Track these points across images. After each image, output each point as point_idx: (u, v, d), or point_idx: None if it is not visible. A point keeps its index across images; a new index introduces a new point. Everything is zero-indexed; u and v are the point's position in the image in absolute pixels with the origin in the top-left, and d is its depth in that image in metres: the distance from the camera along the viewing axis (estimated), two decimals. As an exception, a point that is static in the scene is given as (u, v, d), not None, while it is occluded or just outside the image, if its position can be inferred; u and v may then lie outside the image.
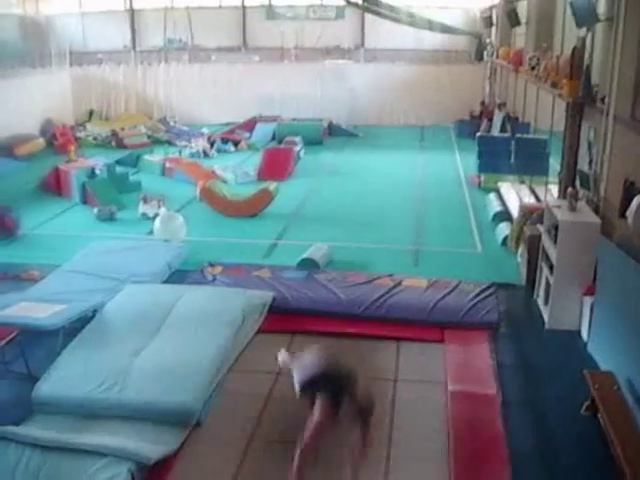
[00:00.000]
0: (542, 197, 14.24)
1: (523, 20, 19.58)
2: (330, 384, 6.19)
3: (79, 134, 25.39)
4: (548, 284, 9.91)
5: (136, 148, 22.63)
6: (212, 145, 23.42)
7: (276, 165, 19.54)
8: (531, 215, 11.96)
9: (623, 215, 8.29)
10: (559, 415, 7.59)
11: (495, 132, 21.33)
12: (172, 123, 27.65)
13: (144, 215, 15.22)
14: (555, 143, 14.38)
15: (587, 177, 10.44)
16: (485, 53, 25.83)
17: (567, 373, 8.35)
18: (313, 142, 24.26)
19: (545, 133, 16.06)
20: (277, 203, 15.75)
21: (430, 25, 25.29)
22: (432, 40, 28.22)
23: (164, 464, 6.62)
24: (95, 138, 25.01)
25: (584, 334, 9.31)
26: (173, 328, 8.90)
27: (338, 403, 6.10)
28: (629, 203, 8.00)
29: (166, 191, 16.42)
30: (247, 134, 25.46)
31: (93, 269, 11.15)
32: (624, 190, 8.57)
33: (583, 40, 11.40)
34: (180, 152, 22.33)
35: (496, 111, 23.24)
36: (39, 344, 8.88)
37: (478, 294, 10.47)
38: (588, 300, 9.19)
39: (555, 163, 14.01)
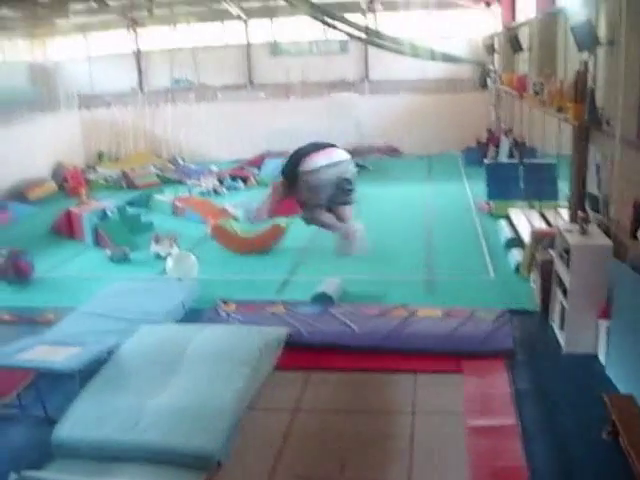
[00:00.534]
0: (553, 221, 14.23)
1: (525, 46, 19.70)
2: None
3: (90, 176, 25.59)
4: (563, 308, 9.88)
5: (146, 188, 22.83)
6: (221, 182, 23.55)
7: (286, 200, 19.51)
8: (542, 240, 11.95)
9: (635, 236, 8.28)
10: (580, 441, 7.52)
11: (503, 158, 21.39)
12: (181, 162, 27.87)
13: (156, 255, 15.28)
14: (563, 166, 14.40)
15: (597, 200, 10.45)
16: (489, 80, 25.98)
17: (586, 397, 8.27)
18: (323, 175, 24.27)
19: (552, 157, 16.09)
20: (288, 238, 15.80)
21: (433, 55, 25.46)
22: (436, 70, 28.40)
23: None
24: (106, 180, 25.21)
25: (602, 357, 9.25)
26: (190, 368, 8.87)
27: None
28: (640, 224, 8.01)
29: (178, 230, 16.52)
30: (256, 170, 25.59)
31: (107, 311, 11.20)
32: (634, 211, 8.57)
33: (586, 64, 11.47)
34: (190, 191, 22.44)
35: (503, 137, 23.33)
36: (56, 387, 8.91)
37: (493, 322, 10.45)
38: (604, 323, 9.15)
39: (564, 187, 14.02)
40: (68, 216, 17.59)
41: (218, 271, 14.28)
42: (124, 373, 8.84)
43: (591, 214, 10.53)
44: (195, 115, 29.91)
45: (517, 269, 13.20)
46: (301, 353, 9.87)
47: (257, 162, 26.40)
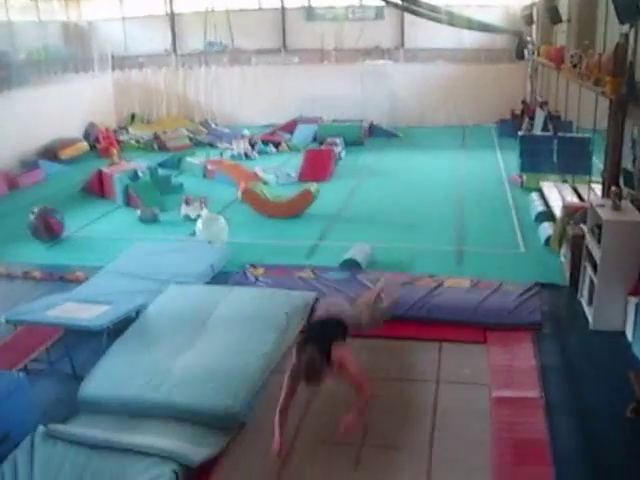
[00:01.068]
0: (585, 196, 14.06)
1: (564, 17, 19.33)
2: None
3: (121, 137, 25.73)
4: (592, 284, 9.78)
5: (178, 151, 22.88)
6: (253, 147, 23.55)
7: (317, 166, 19.57)
8: (574, 215, 11.82)
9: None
10: (603, 417, 7.49)
11: (537, 131, 21.09)
12: (213, 125, 27.88)
13: (186, 217, 15.36)
14: (598, 141, 14.19)
15: (631, 175, 10.29)
16: (526, 51, 25.54)
17: (612, 374, 8.22)
18: (354, 143, 24.28)
19: (588, 131, 15.84)
20: (318, 204, 15.77)
21: (470, 24, 25.05)
22: (472, 39, 27.99)
23: (208, 465, 6.67)
24: (137, 141, 25.33)
25: (629, 335, 9.17)
26: (217, 330, 8.95)
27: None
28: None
29: (208, 193, 16.56)
30: (288, 135, 25.54)
31: (137, 270, 11.30)
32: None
33: (626, 36, 11.21)
34: (221, 154, 22.50)
35: (538, 110, 22.98)
36: (84, 344, 9.04)
37: (521, 294, 10.38)
38: (633, 300, 9.05)
39: (598, 162, 13.83)
40: (99, 176, 17.72)
41: (247, 235, 14.31)
42: (152, 332, 8.95)
43: (625, 190, 10.37)
44: (228, 79, 29.84)
45: (547, 243, 13.08)
46: None
47: (289, 128, 26.32)
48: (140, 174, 17.53)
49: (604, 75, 11.82)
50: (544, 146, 17.19)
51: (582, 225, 10.86)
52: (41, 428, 6.86)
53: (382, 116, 28.20)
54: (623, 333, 9.32)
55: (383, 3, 25.78)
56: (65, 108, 23.72)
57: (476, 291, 10.57)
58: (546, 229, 13.53)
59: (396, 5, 24.80)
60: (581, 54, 14.46)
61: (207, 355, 8.26)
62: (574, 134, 17.60)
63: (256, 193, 15.78)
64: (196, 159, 21.20)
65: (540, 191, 16.33)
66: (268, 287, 10.82)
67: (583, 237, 10.43)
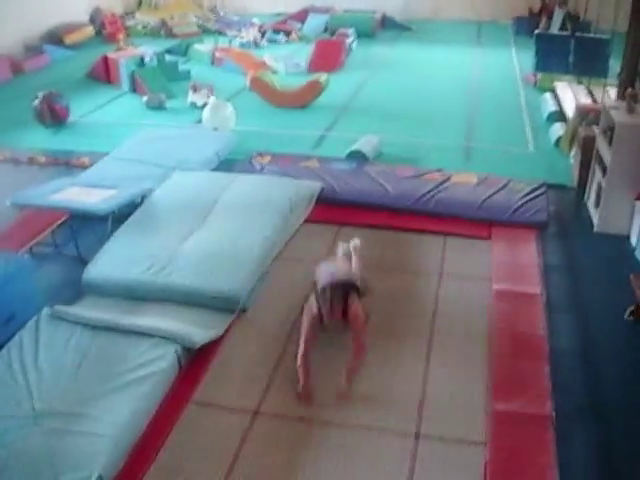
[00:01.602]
0: (599, 99, 13.78)
1: None
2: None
3: (128, 23, 25.13)
4: (600, 187, 9.69)
5: (186, 37, 22.35)
6: (263, 35, 23.04)
7: (327, 57, 19.16)
8: (587, 116, 11.60)
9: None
10: (602, 318, 7.56)
11: (554, 30, 20.56)
12: (222, 13, 27.19)
13: (193, 104, 15.16)
14: (617, 44, 13.82)
15: (648, 78, 10.06)
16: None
17: (613, 277, 8.26)
18: (365, 35, 23.70)
19: (607, 33, 15.40)
20: (327, 95, 15.54)
21: None
22: None
23: (209, 347, 6.78)
24: (144, 27, 24.71)
25: (633, 239, 9.14)
26: (221, 215, 8.97)
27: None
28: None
29: (215, 81, 16.30)
30: (299, 25, 24.93)
31: (142, 156, 11.20)
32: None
33: None
34: (230, 42, 22.01)
35: (556, 8, 22.34)
36: (89, 228, 9.08)
37: (528, 193, 10.29)
38: (640, 205, 9.00)
39: (615, 65, 13.50)
40: (105, 61, 17.38)
41: (255, 123, 14.14)
42: (156, 218, 8.97)
43: (641, 93, 10.14)
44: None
45: (557, 144, 12.92)
46: (333, 207, 9.92)
47: (300, 17, 25.67)
48: (147, 60, 17.19)
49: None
50: (561, 46, 16.75)
51: (594, 127, 10.67)
52: (46, 310, 6.96)
53: (395, 8, 27.40)
54: (627, 237, 9.30)
55: None
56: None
57: (483, 187, 10.50)
58: (557, 130, 13.33)
59: None
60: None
61: (210, 240, 8.31)
62: (592, 35, 17.16)
63: (264, 82, 15.51)
64: (204, 46, 20.77)
65: (554, 91, 16.00)
66: (274, 175, 10.73)
67: (594, 139, 10.27)
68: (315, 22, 24.86)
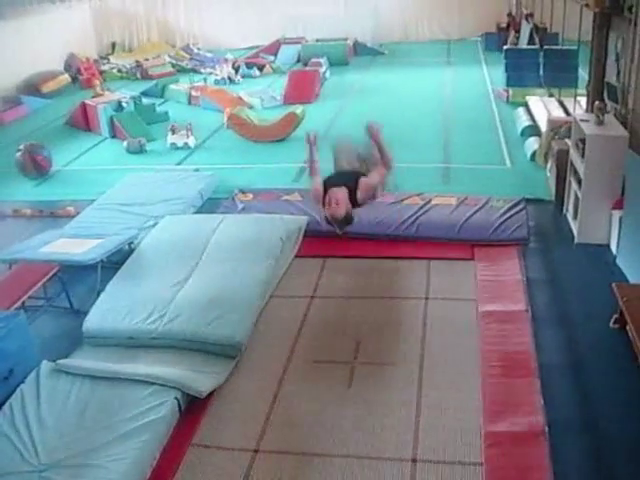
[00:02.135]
0: (571, 110, 14.05)
1: None
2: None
3: (103, 67, 25.36)
4: (577, 198, 9.91)
5: (161, 78, 22.57)
6: (237, 71, 23.29)
7: (302, 88, 19.43)
8: (559, 129, 11.86)
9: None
10: (588, 329, 7.72)
11: (523, 44, 20.93)
12: (195, 50, 27.47)
13: (173, 145, 15.35)
14: (584, 53, 14.11)
15: (615, 90, 10.28)
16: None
17: (596, 287, 8.41)
18: (339, 63, 24.02)
19: (574, 43, 15.72)
20: (305, 126, 15.66)
21: None
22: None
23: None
24: (120, 70, 24.95)
25: (613, 248, 9.35)
26: (214, 259, 9.05)
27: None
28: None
29: (194, 120, 16.44)
30: (272, 57, 25.25)
31: (127, 201, 11.36)
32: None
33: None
34: (205, 79, 22.24)
35: (524, 22, 22.73)
36: (79, 279, 9.19)
37: (508, 210, 10.49)
38: (617, 214, 9.18)
39: (584, 74, 13.77)
40: (83, 108, 17.51)
41: (235, 160, 14.34)
42: (150, 264, 9.08)
43: (609, 104, 10.39)
44: (208, 0, 29.18)
45: (533, 158, 13.16)
46: (318, 239, 10.00)
47: (272, 49, 26.01)
48: (124, 104, 17.36)
49: (587, -14, 11.69)
50: (530, 59, 17.15)
51: (567, 140, 10.91)
52: (45, 362, 7.06)
53: (366, 33, 27.80)
54: (608, 246, 9.50)
55: None
56: (43, 40, 23.16)
57: (463, 208, 10.68)
58: (532, 144, 13.58)
59: None
60: (564, -36, 14.26)
61: (206, 285, 8.38)
62: (560, 46, 17.49)
63: (242, 118, 15.72)
64: (180, 86, 20.99)
65: (526, 105, 16.30)
66: (257, 212, 10.85)
67: (568, 152, 10.51)
68: (287, 53, 25.19)
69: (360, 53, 26.02)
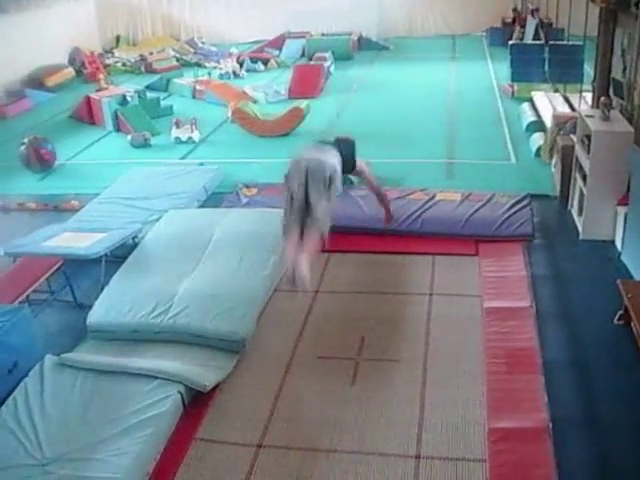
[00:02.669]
0: (576, 105, 14.01)
1: None
2: None
3: (107, 61, 25.34)
4: (582, 195, 9.88)
5: (165, 72, 22.55)
6: (241, 65, 23.26)
7: (307, 82, 19.40)
8: (564, 125, 11.82)
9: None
10: (592, 325, 7.70)
11: (528, 39, 20.85)
12: (200, 44, 27.43)
13: (177, 139, 15.34)
14: (589, 49, 14.08)
15: (621, 85, 10.26)
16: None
17: (601, 283, 8.39)
18: (343, 57, 24.00)
19: (580, 39, 15.68)
20: (309, 121, 15.72)
21: None
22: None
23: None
24: (124, 64, 24.95)
25: (618, 244, 9.33)
26: (218, 253, 9.02)
27: None
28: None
29: (198, 114, 16.43)
30: (276, 52, 25.22)
31: (131, 196, 11.36)
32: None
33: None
34: (210, 74, 22.23)
35: (529, 17, 22.66)
36: (83, 273, 9.17)
37: (512, 206, 10.46)
38: (622, 210, 9.15)
39: (590, 69, 13.74)
40: (88, 102, 17.53)
41: (239, 155, 14.32)
42: (154, 258, 9.07)
43: (614, 100, 10.35)
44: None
45: (538, 154, 13.12)
46: None
47: (277, 43, 25.96)
48: (129, 98, 17.35)
49: (593, -18, 11.66)
50: (535, 55, 17.04)
51: (572, 135, 10.88)
52: (48, 356, 7.07)
53: (371, 28, 27.74)
54: (612, 242, 9.48)
55: None
56: (47, 34, 23.13)
57: (468, 203, 10.65)
58: (537, 140, 13.53)
59: None
60: (571, -41, 14.21)
61: (211, 278, 8.36)
62: (566, 42, 17.43)
63: (246, 112, 15.70)
64: (184, 80, 21.00)
65: (531, 101, 16.25)
66: (262, 207, 10.83)
67: (573, 148, 10.48)
68: (292, 48, 25.16)
69: (365, 48, 25.96)
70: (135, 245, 9.50)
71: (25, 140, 13.87)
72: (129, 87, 18.61)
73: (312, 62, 22.23)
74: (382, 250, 9.58)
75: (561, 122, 12.15)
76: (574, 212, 10.39)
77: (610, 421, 6.24)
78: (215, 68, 23.08)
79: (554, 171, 11.77)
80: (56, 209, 11.85)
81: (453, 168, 12.95)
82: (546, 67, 16.69)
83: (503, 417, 6.14)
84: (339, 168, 8.00)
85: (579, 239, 9.76)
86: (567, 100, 15.20)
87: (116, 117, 16.52)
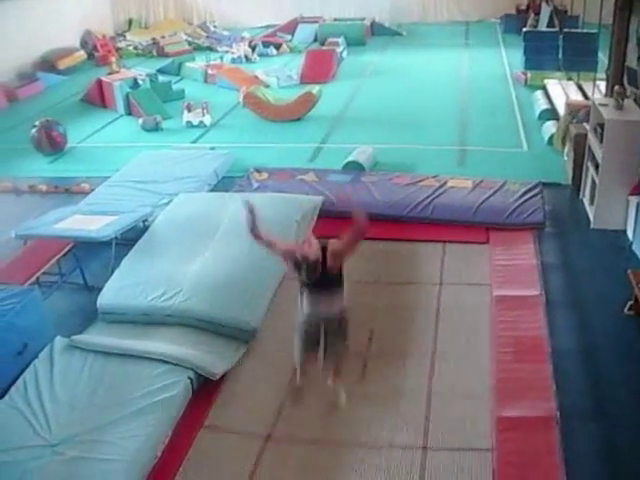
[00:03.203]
0: (590, 94, 13.91)
1: None
2: None
3: (119, 44, 25.29)
4: (594, 183, 9.83)
5: (177, 56, 22.49)
6: (253, 49, 23.18)
7: (319, 67, 19.32)
8: (577, 113, 11.74)
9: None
10: (602, 314, 7.69)
11: (542, 27, 20.70)
12: (212, 28, 27.33)
13: (188, 123, 15.32)
14: (604, 37, 13.97)
15: (635, 74, 10.18)
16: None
17: (612, 272, 8.37)
18: (356, 42, 23.82)
19: (594, 26, 15.54)
20: (321, 106, 15.67)
21: None
22: None
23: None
24: (136, 48, 24.90)
25: (629, 234, 9.28)
26: (229, 237, 8.94)
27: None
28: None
29: (209, 98, 16.41)
30: (289, 36, 25.09)
31: (142, 179, 11.37)
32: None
33: None
34: (222, 58, 22.16)
35: (544, 4, 22.49)
36: (93, 255, 9.22)
37: (524, 194, 10.44)
38: (634, 199, 9.10)
39: (604, 58, 13.64)
40: (99, 85, 17.52)
41: (250, 139, 14.32)
42: (164, 241, 9.06)
43: (629, 89, 10.27)
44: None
45: (550, 142, 13.05)
46: (332, 220, 9.64)
47: (290, 28, 25.82)
48: (140, 82, 17.33)
49: (609, -32, 11.55)
50: (549, 42, 16.93)
51: (585, 124, 10.80)
52: (59, 338, 7.10)
53: (384, 13, 27.56)
54: (624, 232, 9.44)
55: None
56: (60, 16, 23.05)
57: (479, 191, 10.63)
58: (549, 128, 13.46)
59: None
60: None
61: (222, 263, 8.32)
62: (580, 30, 17.29)
63: (258, 97, 15.66)
64: (196, 64, 20.94)
65: (544, 89, 16.15)
66: (272, 192, 10.78)
67: (586, 136, 10.41)
68: (305, 32, 25.04)
69: (378, 33, 25.78)
70: (146, 228, 9.51)
71: (37, 123, 13.88)
72: (141, 71, 18.60)
73: (325, 47, 22.12)
74: (393, 237, 9.54)
75: (574, 110, 12.06)
76: (586, 201, 10.34)
77: (618, 410, 6.25)
78: (227, 52, 23.01)
79: (566, 159, 11.71)
80: (67, 192, 11.88)
81: (465, 155, 12.90)
82: (560, 55, 16.58)
83: (511, 406, 6.14)
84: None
85: (590, 228, 9.72)
86: (580, 88, 15.10)
87: (127, 100, 16.50)
